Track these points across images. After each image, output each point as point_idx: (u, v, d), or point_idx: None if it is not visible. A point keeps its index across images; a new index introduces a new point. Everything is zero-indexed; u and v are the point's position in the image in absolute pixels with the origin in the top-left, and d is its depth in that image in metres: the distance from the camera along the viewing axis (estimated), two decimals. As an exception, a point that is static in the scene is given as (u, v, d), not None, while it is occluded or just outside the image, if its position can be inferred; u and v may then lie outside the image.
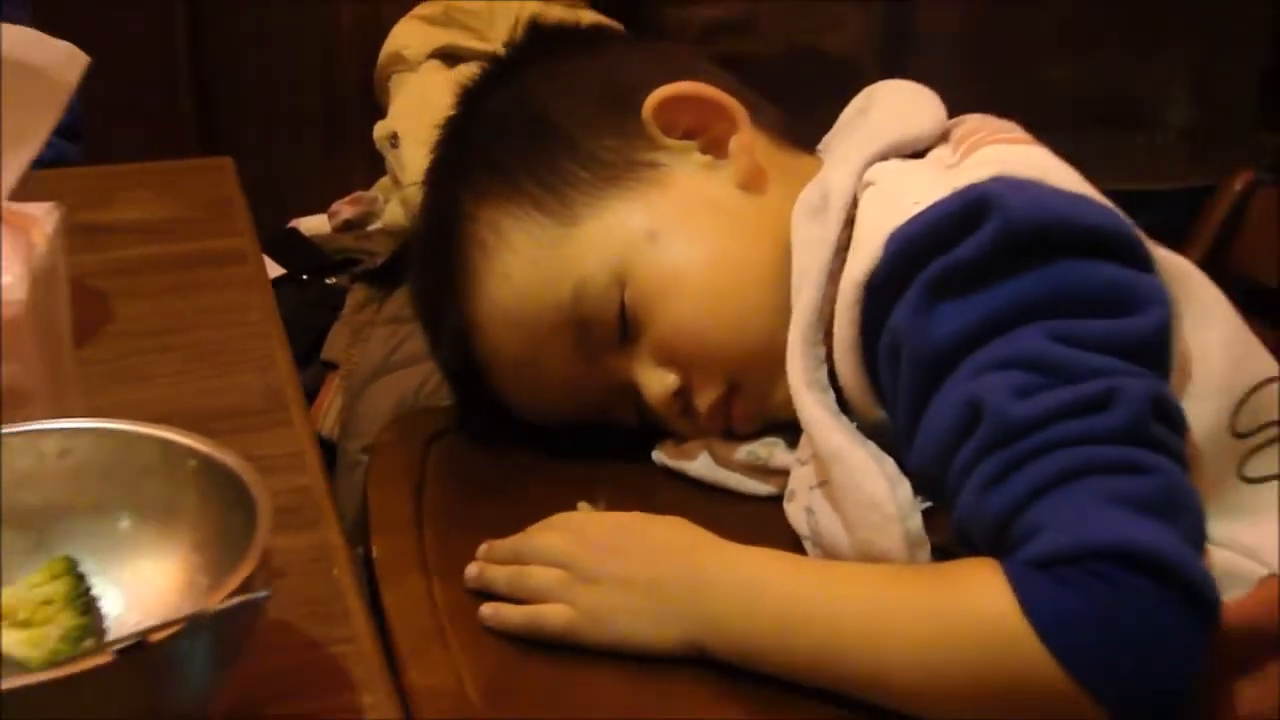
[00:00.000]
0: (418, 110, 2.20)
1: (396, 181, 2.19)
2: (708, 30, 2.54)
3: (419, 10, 2.47)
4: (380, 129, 2.23)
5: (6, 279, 0.67)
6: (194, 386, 0.93)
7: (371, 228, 2.37)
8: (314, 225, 2.41)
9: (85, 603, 0.62)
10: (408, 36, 2.38)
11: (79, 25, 1.88)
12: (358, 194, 2.46)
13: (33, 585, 0.62)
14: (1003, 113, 2.13)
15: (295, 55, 2.66)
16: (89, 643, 0.61)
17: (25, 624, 0.61)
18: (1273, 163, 2.08)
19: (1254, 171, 1.27)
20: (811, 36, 2.32)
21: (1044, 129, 2.10)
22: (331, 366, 1.95)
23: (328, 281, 2.18)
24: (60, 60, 0.73)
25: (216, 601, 0.53)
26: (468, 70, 2.24)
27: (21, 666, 0.60)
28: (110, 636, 0.62)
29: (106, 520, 0.65)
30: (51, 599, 0.61)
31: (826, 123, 1.13)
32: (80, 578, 0.63)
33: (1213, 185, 1.38)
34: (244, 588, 0.54)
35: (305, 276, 2.15)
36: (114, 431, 0.65)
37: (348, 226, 2.39)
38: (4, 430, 0.64)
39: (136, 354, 0.93)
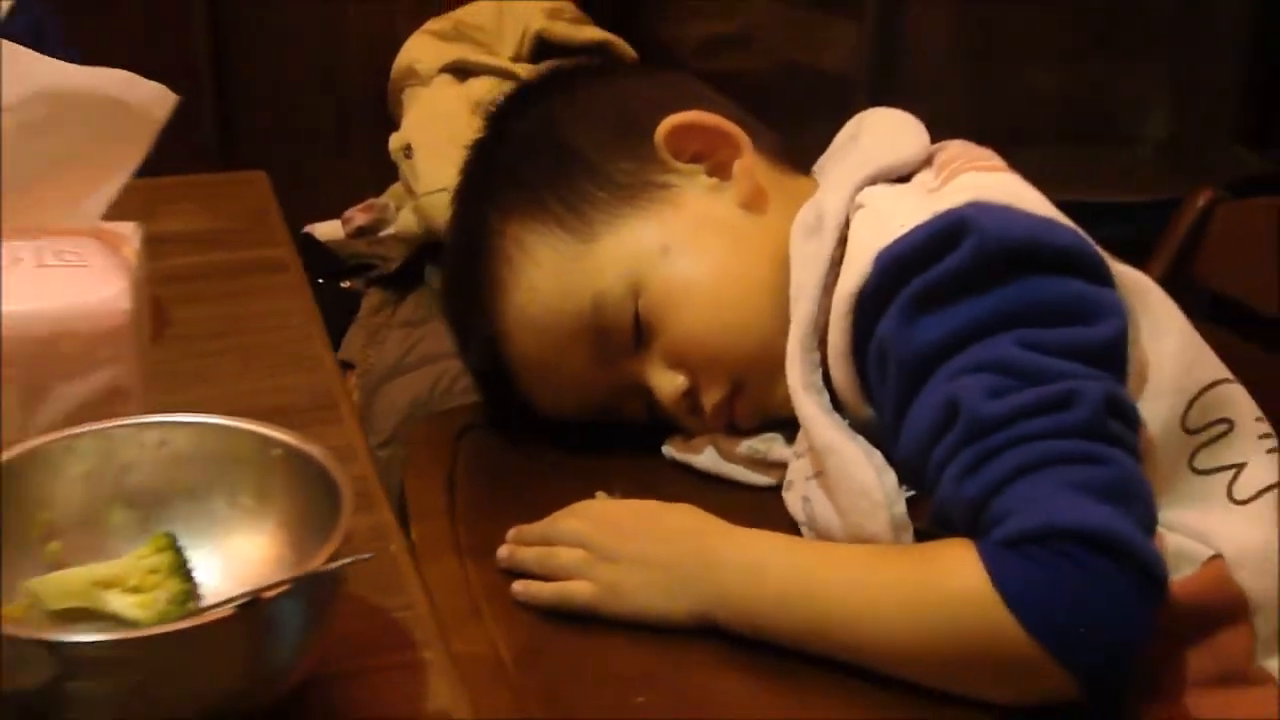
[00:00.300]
0: (430, 123, 2.27)
1: (410, 190, 2.25)
2: (704, 45, 2.61)
3: (429, 25, 2.53)
4: (395, 140, 2.29)
5: (114, 290, 0.76)
6: (250, 386, 1.00)
7: (384, 233, 2.42)
8: (328, 231, 2.47)
9: (186, 573, 0.71)
10: (420, 51, 2.44)
11: (111, 47, 1.97)
12: (370, 201, 2.52)
13: (140, 557, 0.71)
14: (989, 125, 2.19)
15: (309, 68, 2.71)
16: (191, 605, 0.70)
17: (135, 589, 0.69)
18: (1246, 175, 2.15)
19: (1215, 189, 1.34)
20: (805, 53, 2.37)
21: (1029, 142, 2.16)
22: (348, 366, 2.01)
23: (343, 285, 2.24)
24: (151, 98, 0.81)
25: (316, 567, 0.62)
26: (478, 85, 2.34)
27: (134, 626, 0.69)
28: (207, 603, 0.71)
29: (202, 502, 0.73)
30: (157, 569, 0.70)
31: (819, 135, 1.18)
32: (180, 551, 0.71)
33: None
34: (332, 558, 0.64)
35: (321, 280, 2.20)
36: (207, 424, 0.73)
37: (360, 232, 2.45)
38: (111, 424, 0.74)
39: (196, 356, 1.00)
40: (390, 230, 2.40)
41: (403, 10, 2.65)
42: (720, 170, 1.08)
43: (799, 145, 1.20)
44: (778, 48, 2.44)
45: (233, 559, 0.73)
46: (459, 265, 1.13)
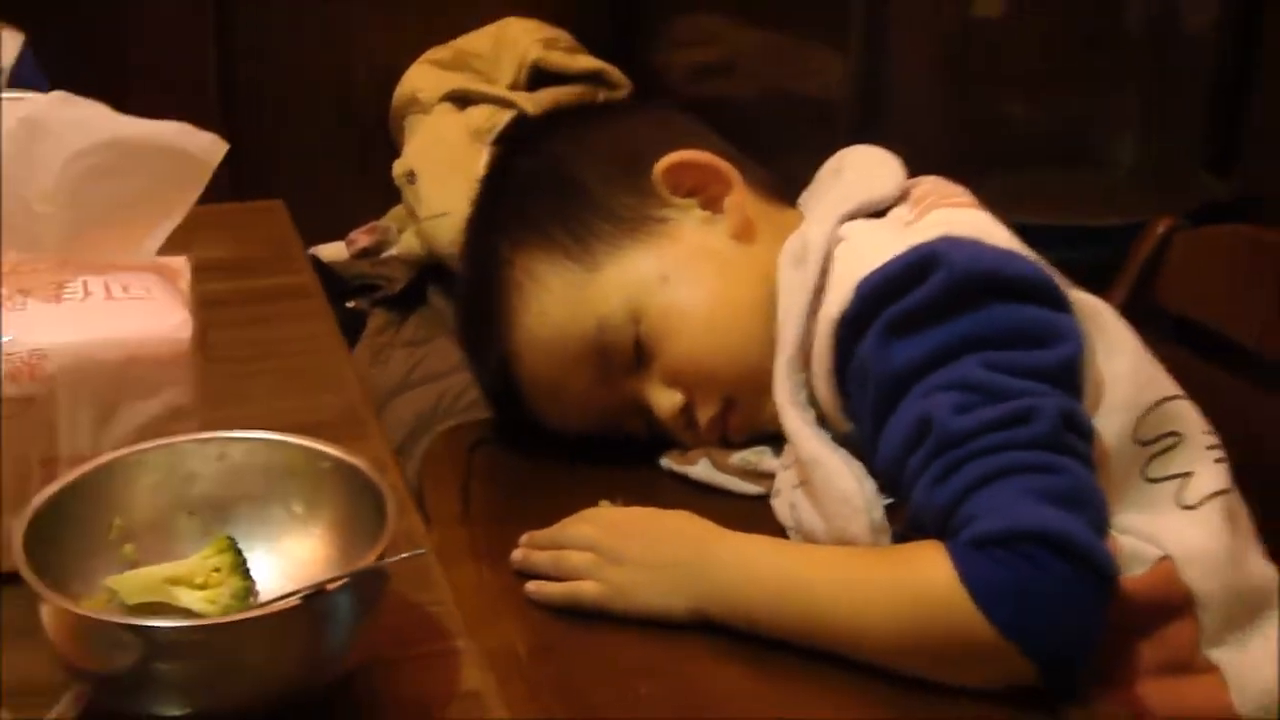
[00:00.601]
0: (432, 149, 2.34)
1: (413, 214, 2.32)
2: (693, 73, 2.64)
3: (430, 55, 2.61)
4: (398, 166, 2.37)
5: (177, 320, 0.84)
6: (286, 404, 1.07)
7: (386, 254, 2.50)
8: (332, 252, 2.52)
9: (245, 571, 0.79)
10: (421, 80, 2.52)
11: (126, 75, 2.03)
12: (373, 224, 2.58)
13: (204, 558, 0.78)
14: (968, 150, 2.26)
15: (314, 95, 2.74)
16: (250, 600, 0.78)
17: (201, 586, 0.77)
18: (1211, 201, 2.22)
19: (1174, 218, 1.41)
20: (790, 80, 2.40)
21: (1006, 167, 2.24)
22: (356, 384, 2.08)
23: (348, 305, 2.30)
24: (205, 146, 0.89)
25: (369, 563, 0.71)
26: (477, 113, 2.42)
27: (203, 618, 0.77)
28: (263, 598, 0.79)
29: (258, 509, 0.81)
30: (220, 568, 0.78)
31: (804, 160, 1.23)
32: (239, 552, 0.79)
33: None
34: (380, 557, 0.72)
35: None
36: (262, 439, 0.82)
37: (364, 254, 2.52)
38: (176, 440, 0.82)
39: (235, 377, 1.05)
40: (393, 252, 2.47)
41: (406, 39, 2.70)
42: (713, 204, 1.15)
43: (785, 173, 1.25)
44: (764, 75, 2.47)
45: (286, 560, 0.81)
46: (472, 293, 1.20)
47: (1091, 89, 2.30)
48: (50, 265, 0.87)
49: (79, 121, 0.87)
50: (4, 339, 0.82)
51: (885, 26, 2.21)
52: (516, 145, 1.26)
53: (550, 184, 1.17)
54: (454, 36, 2.71)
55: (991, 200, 2.03)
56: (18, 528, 0.73)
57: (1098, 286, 1.39)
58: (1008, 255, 1.01)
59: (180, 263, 0.93)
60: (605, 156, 1.18)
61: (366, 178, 2.67)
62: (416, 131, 2.47)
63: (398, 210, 2.54)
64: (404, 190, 2.37)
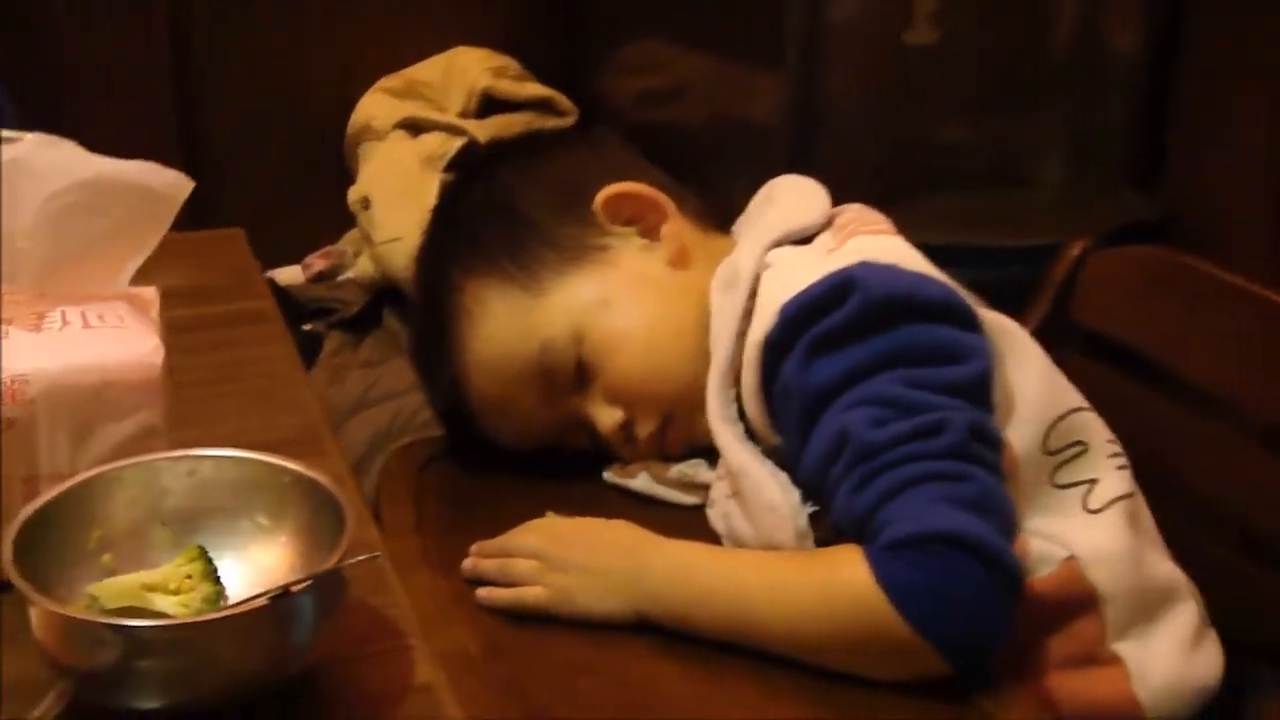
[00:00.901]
0: (386, 176, 2.39)
1: (367, 239, 2.37)
2: (639, 99, 2.67)
3: (382, 83, 2.65)
4: (353, 193, 2.41)
5: (149, 347, 0.90)
6: (250, 424, 1.12)
7: (342, 278, 2.55)
8: (289, 276, 2.56)
9: (215, 578, 0.85)
10: (375, 108, 2.56)
11: (81, 106, 2.06)
12: (328, 248, 2.62)
13: (177, 566, 0.84)
14: (902, 172, 2.30)
15: (270, 123, 2.79)
16: (220, 604, 0.84)
17: (175, 592, 0.83)
18: (1134, 220, 2.28)
19: (1087, 239, 1.47)
20: (732, 104, 2.42)
21: (939, 188, 2.29)
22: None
23: (305, 328, 2.34)
24: (171, 183, 0.96)
25: (329, 567, 0.78)
26: (429, 140, 2.47)
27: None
28: (232, 602, 0.85)
29: (226, 521, 0.87)
30: (191, 574, 0.84)
31: (746, 181, 1.27)
32: (209, 560, 0.85)
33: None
34: (340, 562, 0.79)
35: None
36: (229, 457, 0.88)
37: (320, 277, 2.57)
38: (150, 458, 0.89)
39: (201, 399, 1.10)
40: (348, 275, 2.52)
41: (359, 68, 2.74)
42: (651, 233, 1.21)
43: (727, 196, 1.30)
44: (707, 100, 2.50)
45: (253, 567, 0.87)
46: (425, 317, 1.26)
47: (1021, 112, 2.34)
48: (30, 296, 0.93)
49: (57, 162, 0.93)
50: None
51: (820, 52, 2.23)
52: (466, 176, 1.31)
53: (497, 214, 1.22)
54: (405, 64, 2.75)
55: (925, 221, 2.09)
56: (6, 539, 0.79)
57: (1022, 304, 1.47)
58: (921, 279, 1.06)
59: (150, 293, 0.99)
60: (549, 188, 1.23)
61: (322, 203, 2.71)
62: (370, 159, 2.52)
63: (353, 234, 2.58)
64: (359, 216, 2.42)
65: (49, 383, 0.88)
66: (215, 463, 0.88)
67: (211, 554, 0.86)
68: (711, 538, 1.12)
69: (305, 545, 0.86)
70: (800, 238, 1.16)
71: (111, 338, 0.91)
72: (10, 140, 0.96)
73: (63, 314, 0.92)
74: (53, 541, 0.84)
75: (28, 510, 0.82)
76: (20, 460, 0.89)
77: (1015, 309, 1.39)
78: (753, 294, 1.11)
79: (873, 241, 1.12)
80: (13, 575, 0.77)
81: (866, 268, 1.05)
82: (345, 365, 2.22)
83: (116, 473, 0.87)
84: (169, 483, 0.88)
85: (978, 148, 2.37)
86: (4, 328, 0.90)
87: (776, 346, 1.05)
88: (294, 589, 0.75)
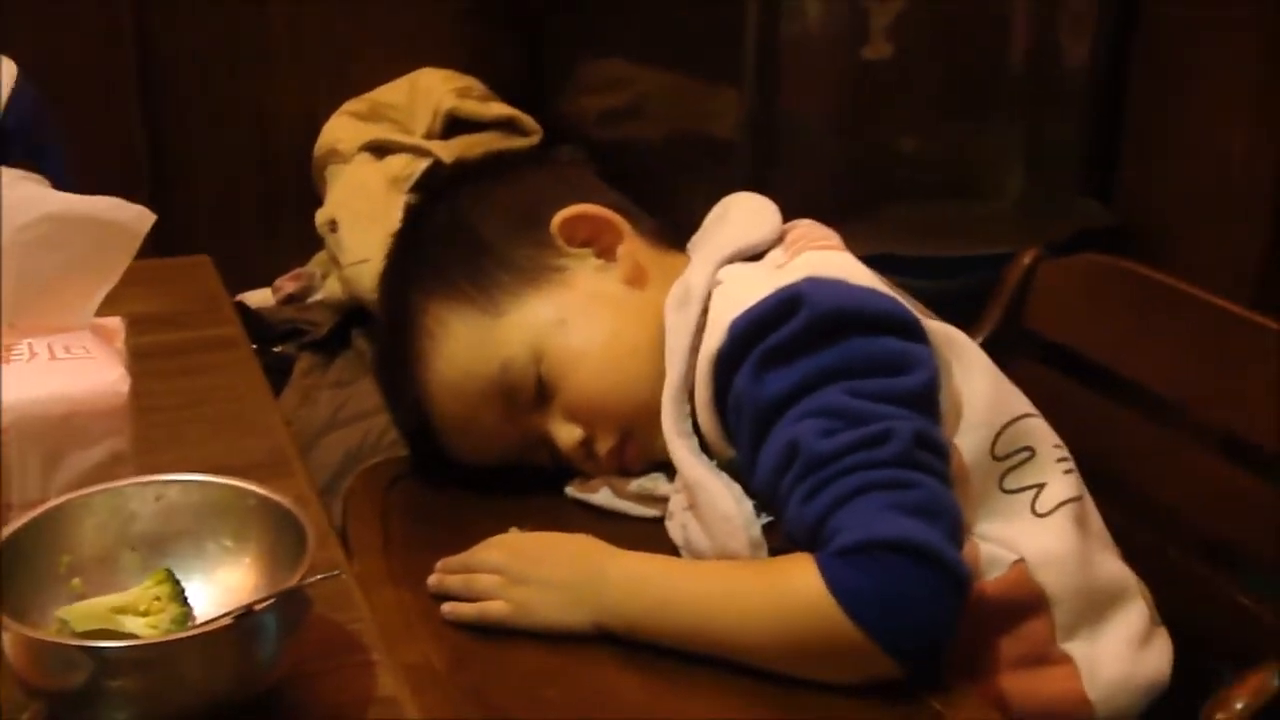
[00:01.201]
0: (352, 199, 2.41)
1: (335, 261, 2.39)
2: (602, 117, 2.70)
3: (348, 106, 2.67)
4: (320, 215, 2.43)
5: (114, 376, 0.93)
6: (217, 448, 1.15)
7: (311, 300, 2.57)
8: (259, 299, 2.57)
9: (183, 599, 0.88)
10: (341, 131, 2.58)
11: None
12: (297, 270, 2.64)
13: (146, 588, 0.87)
14: (862, 184, 2.33)
15: (238, 147, 2.81)
16: (188, 624, 0.87)
17: (144, 614, 0.86)
18: (1090, 227, 2.32)
19: (1038, 249, 1.50)
20: (692, 120, 2.46)
21: (897, 200, 2.32)
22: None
23: (275, 350, 2.35)
24: (134, 217, 0.98)
25: (292, 585, 0.81)
26: (395, 161, 2.50)
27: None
28: (200, 622, 0.88)
29: (193, 544, 0.90)
30: (160, 596, 0.87)
31: (707, 193, 1.30)
32: (177, 583, 0.88)
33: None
34: (303, 580, 0.82)
35: (255, 346, 2.33)
36: (194, 481, 0.90)
37: (290, 300, 2.58)
38: (117, 484, 0.91)
39: (167, 424, 1.13)
40: (318, 297, 2.54)
41: (322, 90, 2.77)
42: (606, 253, 1.22)
43: (689, 210, 1.32)
44: (668, 117, 2.54)
45: (220, 588, 0.89)
46: (388, 340, 1.27)
47: (976, 124, 2.38)
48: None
49: (20, 198, 0.95)
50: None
51: (778, 67, 2.26)
52: (427, 198, 1.32)
53: (456, 237, 1.24)
54: (369, 86, 2.77)
55: (883, 232, 2.13)
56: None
57: (977, 312, 1.50)
58: (866, 292, 1.09)
59: (115, 323, 1.02)
60: (507, 210, 1.25)
61: (289, 225, 2.74)
62: (337, 181, 2.53)
63: (321, 256, 2.60)
64: (326, 238, 2.43)
65: (18, 413, 0.91)
66: (181, 487, 0.91)
67: (179, 576, 0.89)
68: (670, 549, 1.14)
69: (269, 566, 0.88)
70: (751, 254, 1.18)
71: (78, 368, 0.94)
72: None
73: (30, 346, 0.95)
74: (23, 567, 0.86)
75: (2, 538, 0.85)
76: (-9, 491, 0.92)
77: (971, 317, 1.43)
78: (705, 310, 1.13)
79: (820, 257, 1.14)
80: (-13, 601, 0.79)
81: (813, 283, 1.08)
82: (315, 386, 2.24)
83: (85, 499, 0.90)
84: (137, 508, 0.91)
85: (934, 160, 2.41)
86: (-28, 361, 0.93)
87: (727, 361, 1.08)
88: (257, 607, 0.78)
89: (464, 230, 1.24)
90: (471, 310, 1.20)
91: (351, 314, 2.36)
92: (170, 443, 1.09)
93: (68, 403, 0.92)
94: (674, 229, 1.31)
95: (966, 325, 1.24)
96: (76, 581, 0.89)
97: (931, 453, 1.03)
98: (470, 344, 1.20)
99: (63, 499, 0.89)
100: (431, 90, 2.63)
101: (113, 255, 0.98)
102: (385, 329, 1.30)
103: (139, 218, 0.97)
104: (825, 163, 2.34)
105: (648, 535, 1.16)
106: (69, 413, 0.91)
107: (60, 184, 1.31)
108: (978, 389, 1.11)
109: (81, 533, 0.90)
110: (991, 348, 1.23)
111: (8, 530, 0.86)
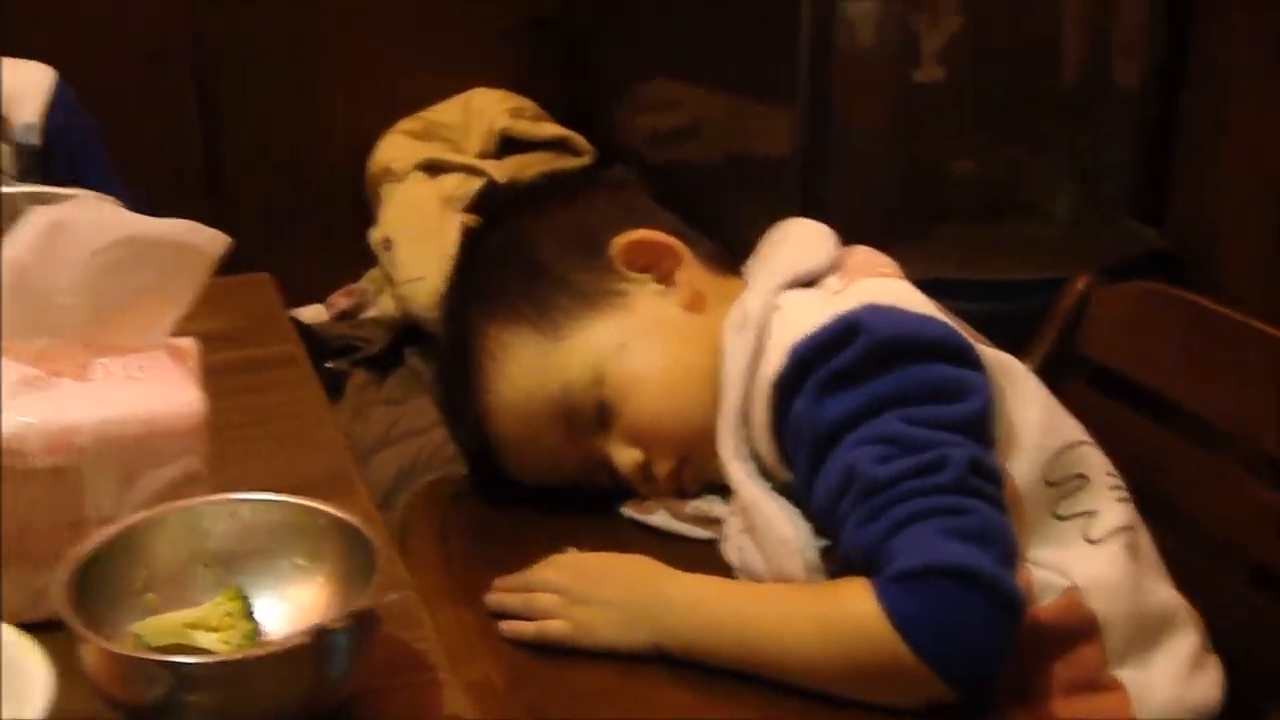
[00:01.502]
0: (407, 218, 2.44)
1: (389, 279, 2.42)
2: (654, 137, 2.72)
3: (402, 125, 2.70)
4: (375, 233, 2.46)
5: (191, 396, 0.95)
6: (280, 465, 1.17)
7: (363, 316, 2.61)
8: (312, 315, 2.61)
9: (252, 616, 0.90)
10: (395, 149, 2.61)
11: (124, 154, 2.11)
12: (350, 287, 2.68)
13: (216, 605, 0.90)
14: (912, 204, 2.33)
15: (291, 165, 2.85)
16: (258, 641, 0.89)
17: (215, 629, 0.89)
18: (1144, 250, 2.32)
19: (1091, 274, 1.51)
20: (744, 140, 2.47)
21: (948, 222, 2.32)
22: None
23: (328, 365, 2.38)
24: (208, 240, 1.00)
25: (363, 605, 0.83)
26: (449, 181, 2.53)
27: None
28: (269, 639, 0.90)
29: (265, 561, 0.92)
30: (231, 613, 0.89)
31: (759, 214, 1.34)
32: (247, 600, 0.90)
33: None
34: (373, 599, 0.84)
35: None
36: (268, 500, 0.93)
37: (343, 316, 2.62)
38: (192, 502, 0.93)
39: (234, 441, 1.11)
40: (371, 313, 2.57)
41: (375, 109, 2.79)
42: (666, 278, 1.24)
43: (740, 231, 1.34)
44: (720, 136, 2.55)
45: (290, 605, 0.92)
46: (449, 361, 1.29)
47: (1027, 145, 2.40)
48: (75, 350, 0.98)
49: (97, 222, 0.97)
50: (33, 420, 0.93)
51: (830, 89, 2.27)
52: (486, 222, 1.34)
53: (516, 260, 1.26)
54: (421, 105, 2.80)
55: (934, 254, 2.13)
56: (59, 581, 0.84)
57: (1029, 336, 1.51)
58: (923, 320, 1.11)
59: (189, 343, 1.04)
60: (566, 234, 1.27)
61: (341, 241, 2.77)
62: (391, 200, 2.56)
63: (374, 273, 2.63)
64: (381, 256, 2.46)
65: (96, 432, 0.93)
66: (255, 506, 0.93)
67: (250, 593, 0.91)
68: (725, 571, 1.15)
69: (339, 584, 0.90)
70: (808, 279, 1.20)
71: (154, 388, 0.96)
72: (52, 199, 1.01)
73: (106, 366, 0.97)
74: (100, 582, 0.88)
75: (78, 554, 0.87)
76: (68, 506, 0.94)
77: (1022, 341, 1.44)
78: (762, 335, 1.15)
79: (878, 284, 1.16)
80: (65, 614, 0.81)
81: (872, 310, 1.09)
82: (369, 403, 2.27)
83: (161, 517, 0.92)
84: (210, 526, 0.93)
85: (985, 181, 2.42)
86: (52, 380, 0.95)
87: (787, 385, 1.09)
88: (331, 626, 0.80)
89: (523, 253, 1.26)
90: (531, 333, 1.22)
91: (405, 331, 2.39)
92: (235, 459, 1.10)
93: (145, 422, 0.94)
94: (728, 251, 1.33)
95: (1018, 349, 1.25)
96: (150, 597, 0.91)
97: (986, 479, 1.04)
98: (531, 366, 1.22)
99: (140, 516, 0.91)
100: (485, 110, 2.65)
101: (187, 278, 1.00)
102: (445, 350, 1.32)
103: (213, 241, 0.99)
104: (875, 184, 2.35)
105: (702, 556, 1.17)
106: (146, 433, 0.93)
107: (104, 190, 1.34)
108: (1031, 416, 1.12)
109: (156, 549, 0.92)
110: (1044, 373, 1.24)
111: (86, 546, 0.88)
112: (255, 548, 0.93)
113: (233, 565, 0.93)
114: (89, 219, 0.99)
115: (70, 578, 0.85)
